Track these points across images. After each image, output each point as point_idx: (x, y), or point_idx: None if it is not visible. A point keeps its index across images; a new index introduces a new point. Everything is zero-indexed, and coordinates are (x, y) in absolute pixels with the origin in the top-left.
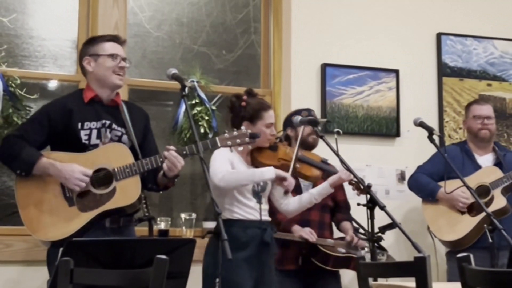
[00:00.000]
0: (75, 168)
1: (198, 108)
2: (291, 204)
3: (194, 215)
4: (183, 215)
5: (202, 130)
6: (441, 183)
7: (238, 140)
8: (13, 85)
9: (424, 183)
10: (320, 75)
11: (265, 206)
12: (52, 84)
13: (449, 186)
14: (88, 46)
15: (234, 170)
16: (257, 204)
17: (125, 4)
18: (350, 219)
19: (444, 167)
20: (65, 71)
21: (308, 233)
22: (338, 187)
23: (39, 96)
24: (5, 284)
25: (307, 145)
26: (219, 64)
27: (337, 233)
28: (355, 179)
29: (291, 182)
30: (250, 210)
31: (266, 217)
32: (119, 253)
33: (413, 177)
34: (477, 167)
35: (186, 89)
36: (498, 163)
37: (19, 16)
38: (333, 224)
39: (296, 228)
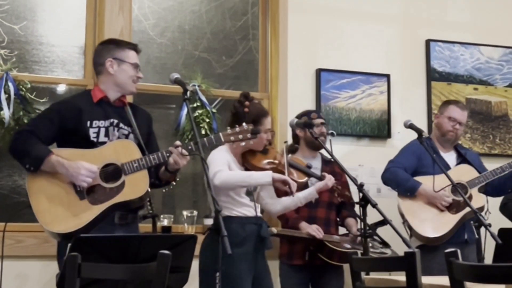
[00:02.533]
0: (80, 165)
1: (199, 111)
2: (277, 205)
3: (195, 213)
4: (185, 213)
5: (203, 132)
6: (421, 179)
7: (240, 136)
8: (23, 89)
9: (404, 178)
10: (315, 80)
11: (258, 203)
12: (61, 88)
13: (424, 182)
14: (113, 48)
15: (232, 172)
16: (251, 201)
17: (130, 12)
18: (355, 215)
19: (416, 162)
20: (73, 75)
21: (315, 230)
22: (344, 185)
23: (48, 99)
24: (16, 277)
25: (315, 146)
26: (219, 69)
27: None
28: (339, 186)
29: (292, 183)
30: (246, 207)
31: (260, 214)
32: (124, 249)
33: (389, 170)
34: (445, 163)
35: (188, 93)
36: (462, 160)
37: (30, 23)
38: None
39: (304, 225)
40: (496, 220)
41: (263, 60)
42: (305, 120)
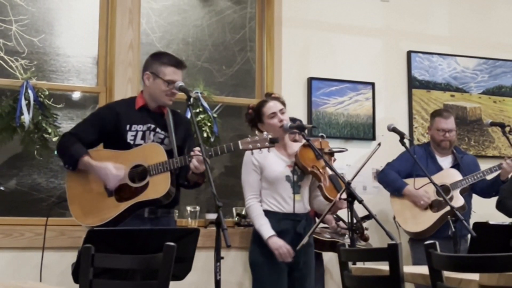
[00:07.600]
0: (108, 171)
1: (202, 116)
2: (316, 204)
3: (198, 208)
4: (188, 208)
5: (205, 135)
6: (408, 181)
7: (258, 144)
8: (42, 96)
9: (393, 179)
10: (306, 87)
11: (298, 198)
12: (76, 95)
13: (416, 183)
14: (154, 62)
15: (256, 212)
16: (291, 194)
17: (139, 26)
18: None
19: (411, 166)
20: (87, 83)
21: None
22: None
23: (64, 105)
24: (36, 266)
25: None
26: (219, 77)
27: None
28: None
29: (282, 253)
30: (285, 204)
31: (300, 210)
32: (133, 241)
33: (383, 172)
34: (439, 167)
35: (191, 99)
36: (456, 165)
37: (47, 36)
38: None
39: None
40: (478, 219)
41: (259, 70)
42: (298, 124)
